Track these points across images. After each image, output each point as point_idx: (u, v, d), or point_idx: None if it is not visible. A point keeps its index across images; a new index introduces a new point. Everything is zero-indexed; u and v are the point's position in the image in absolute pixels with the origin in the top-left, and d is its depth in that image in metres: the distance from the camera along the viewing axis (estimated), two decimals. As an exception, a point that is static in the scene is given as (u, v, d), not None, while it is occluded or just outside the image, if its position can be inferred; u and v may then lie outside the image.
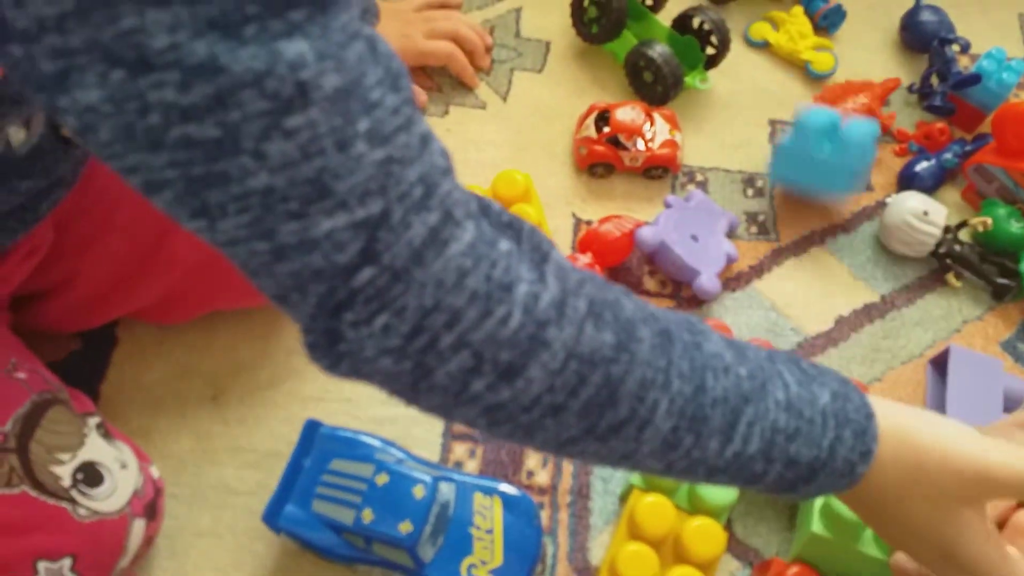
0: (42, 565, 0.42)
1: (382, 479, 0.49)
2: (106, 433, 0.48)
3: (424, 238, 0.27)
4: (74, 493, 0.44)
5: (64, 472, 0.44)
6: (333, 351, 0.28)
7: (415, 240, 0.27)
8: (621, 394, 0.30)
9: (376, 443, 0.52)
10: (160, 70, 0.23)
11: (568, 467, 0.56)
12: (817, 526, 0.49)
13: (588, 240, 0.62)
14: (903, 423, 0.34)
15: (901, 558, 0.45)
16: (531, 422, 0.30)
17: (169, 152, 0.24)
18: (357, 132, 0.25)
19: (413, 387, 0.29)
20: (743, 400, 0.31)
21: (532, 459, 0.57)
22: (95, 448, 0.46)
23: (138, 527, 0.46)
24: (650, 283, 0.65)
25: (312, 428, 0.52)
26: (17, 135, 0.42)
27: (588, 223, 0.66)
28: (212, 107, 0.23)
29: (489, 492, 0.51)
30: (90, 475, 0.45)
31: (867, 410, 0.33)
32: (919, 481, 0.33)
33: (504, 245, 0.29)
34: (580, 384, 0.29)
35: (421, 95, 0.71)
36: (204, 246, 0.53)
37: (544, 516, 0.55)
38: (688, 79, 0.71)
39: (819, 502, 0.50)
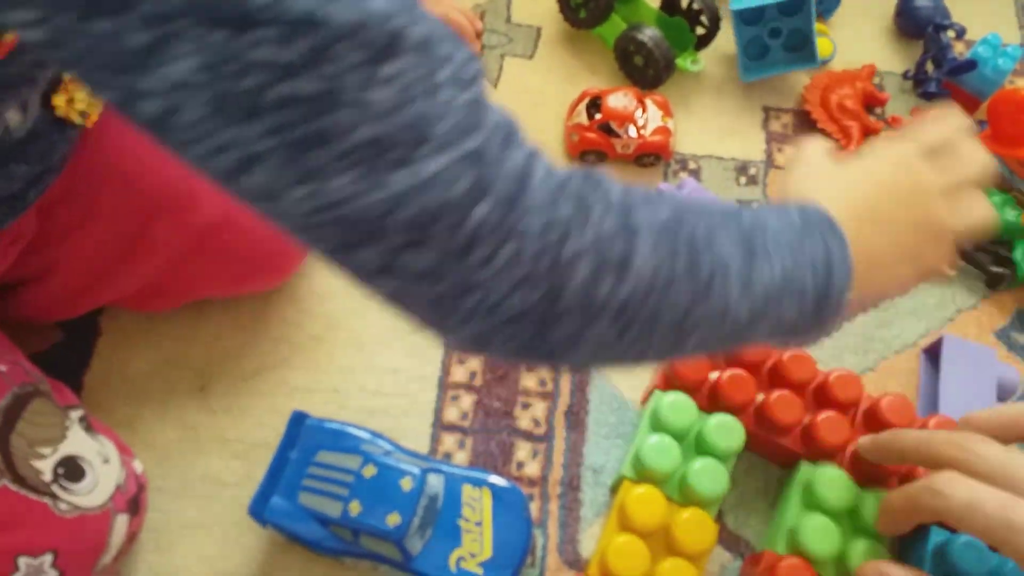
0: (23, 561, 0.41)
1: (369, 471, 0.49)
2: (88, 427, 0.47)
3: (520, 167, 0.28)
4: (55, 488, 0.43)
5: (45, 466, 0.43)
6: (462, 307, 0.28)
7: (513, 170, 0.28)
8: (699, 247, 0.31)
9: (364, 435, 0.51)
10: (262, 26, 0.23)
11: (559, 458, 0.56)
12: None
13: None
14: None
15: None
16: (654, 308, 0.31)
17: (268, 117, 0.24)
18: (442, 79, 0.27)
19: (542, 323, 0.30)
20: (760, 228, 0.33)
21: (522, 450, 0.56)
22: (77, 442, 0.45)
23: (121, 522, 0.45)
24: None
25: (299, 420, 0.52)
26: (14, 118, 0.41)
27: (579, 211, 0.66)
28: (312, 61, 0.24)
29: (478, 484, 0.51)
30: (71, 469, 0.44)
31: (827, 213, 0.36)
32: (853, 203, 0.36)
33: (560, 170, 0.31)
34: (672, 254, 0.31)
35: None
36: (188, 232, 0.53)
37: (534, 508, 0.54)
38: (679, 61, 0.70)
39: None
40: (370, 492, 0.48)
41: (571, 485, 0.55)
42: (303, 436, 0.51)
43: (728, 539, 0.54)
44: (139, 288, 0.55)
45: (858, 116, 0.70)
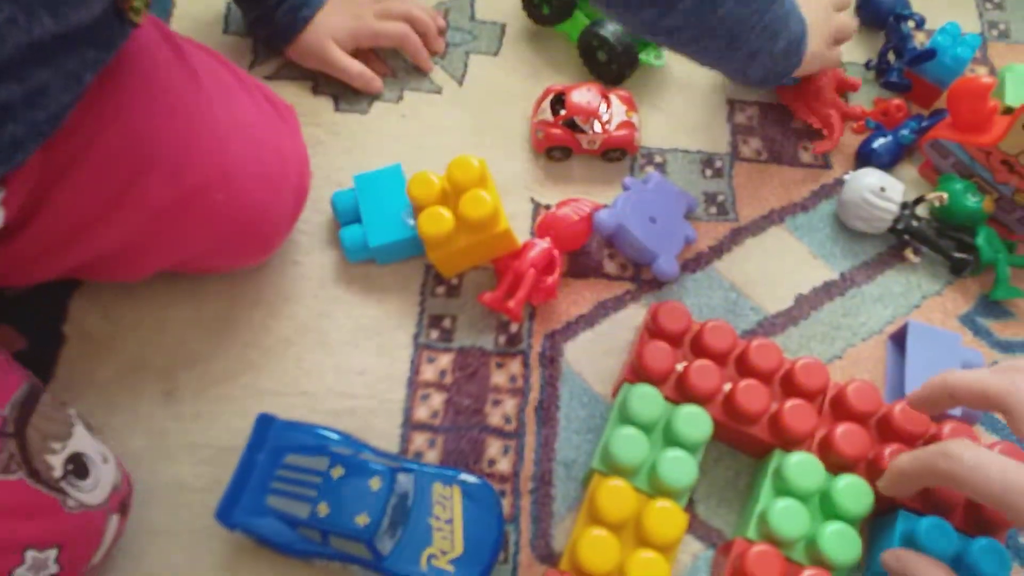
0: (30, 554, 0.41)
1: (337, 472, 0.49)
2: (88, 425, 0.47)
3: None
4: (64, 484, 0.43)
5: (56, 462, 0.43)
6: None
7: None
8: None
9: (332, 436, 0.51)
10: None
11: (530, 454, 0.56)
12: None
13: (546, 224, 0.62)
14: None
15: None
16: None
17: None
18: None
19: None
20: None
21: (493, 447, 0.56)
22: (82, 439, 0.46)
23: (113, 522, 0.46)
24: (610, 266, 0.64)
25: (265, 422, 0.51)
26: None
27: (547, 207, 0.66)
28: None
29: (448, 481, 0.51)
30: (79, 466, 0.44)
31: None
32: None
33: None
34: None
35: (376, 80, 0.69)
36: (178, 190, 0.51)
37: (506, 504, 0.54)
38: (643, 56, 0.70)
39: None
40: (339, 493, 0.48)
41: (543, 480, 0.55)
42: (270, 438, 0.51)
43: (700, 529, 0.54)
44: (116, 248, 0.51)
45: (835, 103, 0.70)
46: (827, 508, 0.50)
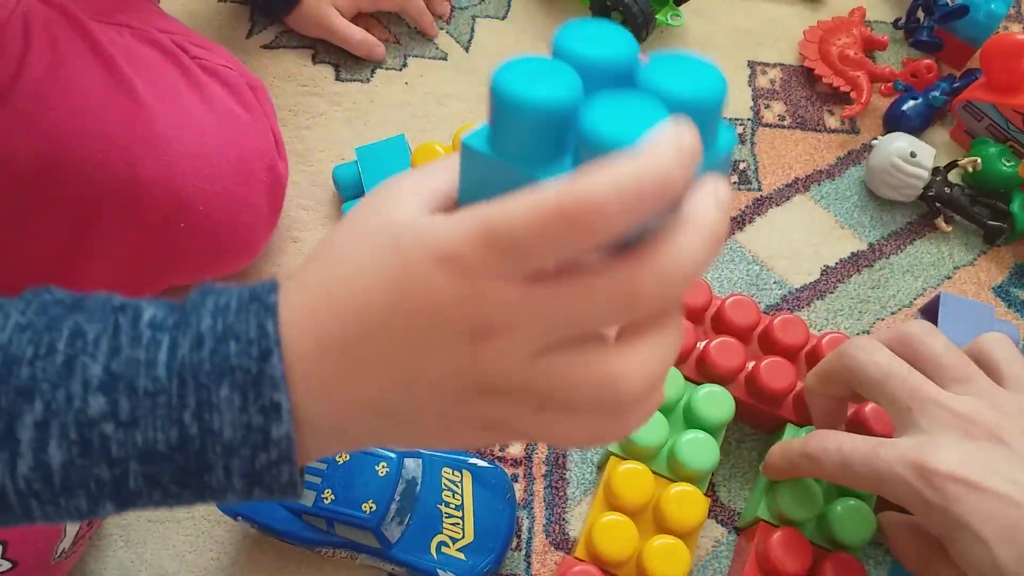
0: None
1: (343, 458, 0.47)
2: None
3: None
4: None
5: None
6: None
7: None
8: None
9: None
10: None
11: (543, 435, 0.54)
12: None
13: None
14: (325, 328, 0.24)
15: (892, 516, 0.43)
16: None
17: None
18: None
19: None
20: (25, 396, 0.24)
21: (505, 429, 0.54)
22: None
23: None
24: (626, 239, 0.61)
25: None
26: None
27: (559, 178, 0.63)
28: None
29: (458, 466, 0.49)
30: None
31: (264, 345, 0.24)
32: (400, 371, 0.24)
33: None
34: None
35: (378, 47, 0.66)
36: (140, 225, 0.48)
37: (519, 489, 0.52)
38: (659, 16, 0.67)
39: None
40: (344, 479, 0.46)
41: (557, 464, 0.53)
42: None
43: (721, 513, 0.52)
44: (101, 288, 0.51)
45: (863, 64, 0.67)
46: (689, 418, 0.49)
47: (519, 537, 0.51)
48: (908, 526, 0.43)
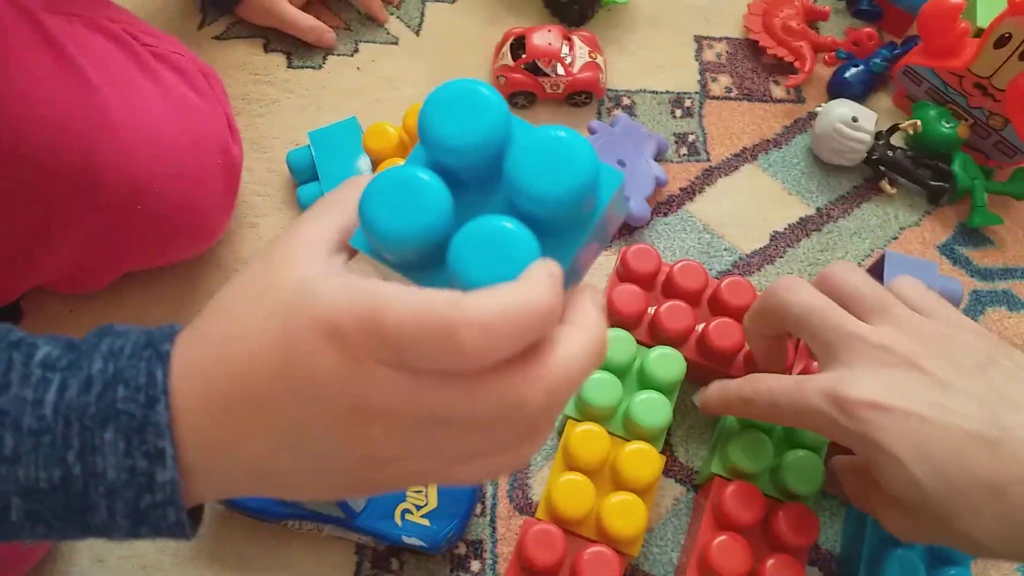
0: None
1: (304, 432, 0.47)
2: None
3: None
4: None
5: None
6: None
7: None
8: None
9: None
10: None
11: (504, 406, 0.55)
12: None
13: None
14: (212, 376, 0.25)
15: (843, 460, 0.45)
16: None
17: None
18: None
19: None
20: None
21: (466, 401, 0.55)
22: None
23: None
24: (580, 213, 0.62)
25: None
26: None
27: (513, 156, 0.64)
28: None
29: (419, 436, 0.50)
30: None
31: (152, 392, 0.24)
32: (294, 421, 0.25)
33: None
34: None
35: (328, 34, 0.67)
36: (99, 210, 0.49)
37: (481, 457, 0.53)
38: (605, -5, 0.68)
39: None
40: (305, 453, 0.47)
41: (518, 432, 0.54)
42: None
43: (680, 472, 0.53)
44: (62, 273, 0.52)
45: (806, 35, 0.68)
46: (642, 379, 0.50)
47: (483, 504, 0.52)
48: (851, 464, 0.44)
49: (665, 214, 0.63)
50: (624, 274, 0.54)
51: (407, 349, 0.22)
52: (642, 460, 0.47)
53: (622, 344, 0.51)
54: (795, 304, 0.41)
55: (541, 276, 0.23)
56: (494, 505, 0.52)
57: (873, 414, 0.36)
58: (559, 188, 0.24)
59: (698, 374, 0.53)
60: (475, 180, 0.26)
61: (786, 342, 0.47)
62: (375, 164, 0.56)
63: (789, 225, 0.63)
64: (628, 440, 0.49)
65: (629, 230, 0.62)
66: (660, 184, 0.62)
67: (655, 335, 0.52)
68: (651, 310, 0.53)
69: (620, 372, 0.50)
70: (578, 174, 0.25)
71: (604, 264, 0.60)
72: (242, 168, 0.57)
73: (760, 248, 0.62)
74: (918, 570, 0.47)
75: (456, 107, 0.25)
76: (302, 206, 0.59)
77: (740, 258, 0.61)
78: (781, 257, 0.62)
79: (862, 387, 0.37)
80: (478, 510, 0.51)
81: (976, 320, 0.59)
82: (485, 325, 0.21)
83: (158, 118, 0.51)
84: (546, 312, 0.22)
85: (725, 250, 0.62)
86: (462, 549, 0.50)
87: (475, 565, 0.50)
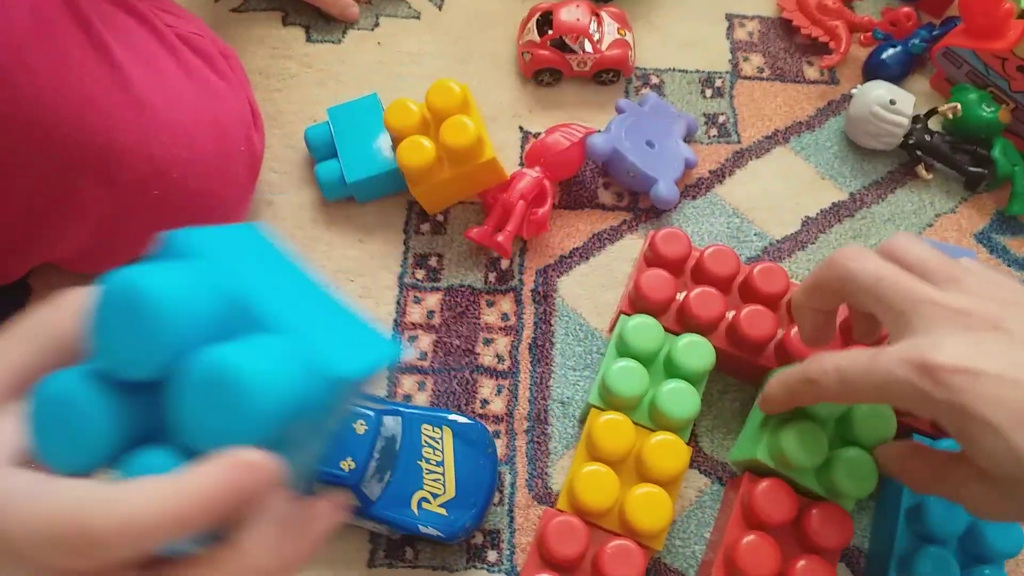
0: None
1: (320, 416, 0.46)
2: None
3: None
4: None
5: None
6: None
7: None
8: None
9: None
10: None
11: (524, 392, 0.53)
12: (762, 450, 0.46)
13: (535, 152, 0.58)
14: None
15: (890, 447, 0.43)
16: None
17: None
18: None
19: None
20: None
21: (486, 388, 0.53)
22: None
23: None
24: (605, 196, 0.61)
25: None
26: None
27: (536, 135, 0.62)
28: None
29: (438, 423, 0.48)
30: None
31: None
32: None
33: None
34: None
35: (352, 7, 0.65)
36: (117, 189, 0.48)
37: (501, 445, 0.52)
38: (635, -28, 0.66)
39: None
40: (322, 438, 0.45)
41: (538, 419, 0.53)
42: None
43: (705, 463, 0.52)
44: (75, 250, 0.51)
45: (842, 14, 0.66)
46: (670, 368, 0.48)
47: (501, 492, 0.50)
48: (908, 449, 0.42)
49: (694, 197, 0.61)
50: (652, 259, 0.52)
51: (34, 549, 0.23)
52: (669, 451, 0.46)
53: (649, 331, 0.49)
54: (862, 272, 0.38)
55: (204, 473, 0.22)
56: (512, 494, 0.50)
57: (965, 380, 0.33)
58: (221, 438, 0.22)
59: (728, 363, 0.52)
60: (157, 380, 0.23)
61: (835, 319, 0.44)
62: (396, 142, 0.54)
63: (821, 210, 0.61)
64: (654, 431, 0.47)
65: (657, 214, 0.60)
66: (690, 166, 0.60)
67: (684, 322, 0.51)
68: (680, 296, 0.51)
69: (647, 360, 0.49)
70: (251, 419, 0.21)
71: (632, 248, 0.58)
72: (263, 156, 0.55)
73: (791, 233, 0.60)
74: (951, 567, 0.45)
75: (120, 313, 0.22)
76: (320, 184, 0.57)
77: (771, 243, 0.59)
78: (813, 243, 0.60)
79: (948, 352, 0.34)
80: (496, 499, 0.50)
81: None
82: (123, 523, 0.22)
83: (182, 100, 0.49)
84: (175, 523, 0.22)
85: (755, 235, 0.60)
86: (479, 539, 0.49)
87: (492, 555, 0.49)
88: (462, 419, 0.49)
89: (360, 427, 0.46)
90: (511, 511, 0.50)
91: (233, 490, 0.23)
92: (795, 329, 0.49)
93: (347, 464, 0.45)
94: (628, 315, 0.50)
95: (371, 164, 0.56)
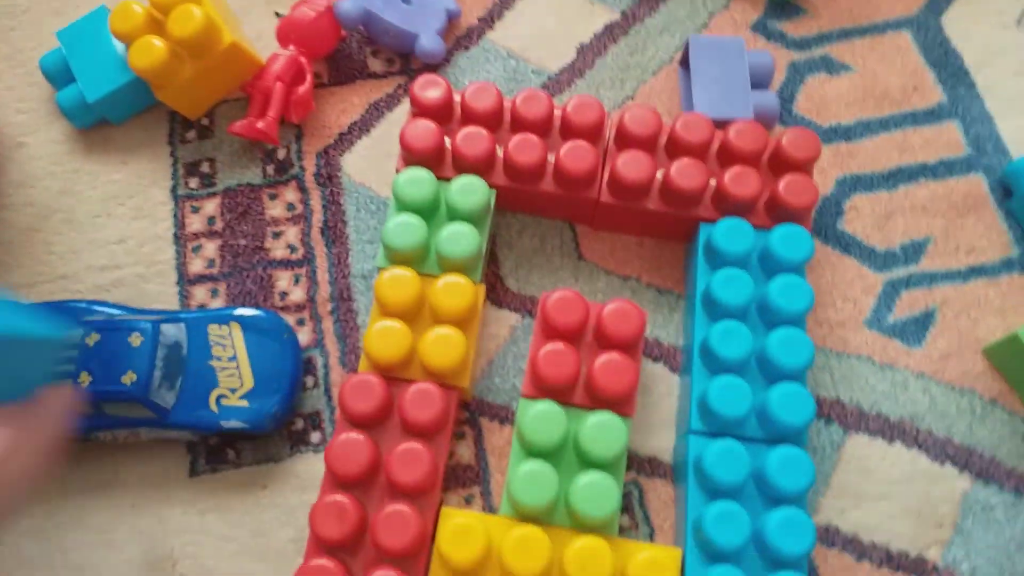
0: None
1: (93, 339, 0.44)
2: None
3: None
4: None
5: None
6: None
7: None
8: None
9: (81, 305, 0.47)
10: None
11: (324, 276, 0.52)
12: None
13: (285, 30, 0.55)
14: None
15: None
16: None
17: None
18: None
19: None
20: None
21: (283, 280, 0.52)
22: None
23: None
24: (375, 64, 0.58)
25: None
26: None
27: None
28: None
29: (224, 320, 0.47)
30: None
31: None
32: None
33: None
34: None
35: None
36: None
37: (308, 330, 0.51)
38: None
39: None
40: (97, 359, 0.44)
41: (342, 298, 0.52)
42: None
43: (513, 301, 0.52)
44: None
45: None
46: (450, 211, 0.46)
47: (315, 375, 0.50)
48: None
49: (466, 47, 0.59)
50: (418, 111, 0.50)
51: None
52: (455, 291, 0.45)
53: (422, 182, 0.48)
54: None
55: None
56: (326, 375, 0.50)
57: None
58: None
59: (515, 200, 0.51)
60: None
61: None
62: (127, 47, 0.51)
63: (595, 35, 0.60)
64: (439, 275, 0.47)
65: (431, 69, 0.58)
66: (452, 16, 0.58)
67: (459, 166, 0.50)
68: (447, 141, 0.50)
69: (425, 212, 0.48)
70: None
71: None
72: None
73: (568, 64, 0.59)
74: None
75: None
76: (65, 112, 0.54)
77: (549, 78, 0.58)
78: (591, 69, 0.59)
79: None
80: (310, 383, 0.49)
81: (797, 90, 0.58)
82: None
83: None
84: None
85: (533, 73, 0.58)
86: (299, 424, 0.48)
87: (315, 436, 0.48)
88: (250, 312, 0.47)
89: (136, 339, 0.44)
90: (328, 391, 0.49)
91: None
92: (565, 148, 0.48)
93: (128, 378, 0.43)
94: (399, 170, 0.49)
95: (110, 79, 0.53)
